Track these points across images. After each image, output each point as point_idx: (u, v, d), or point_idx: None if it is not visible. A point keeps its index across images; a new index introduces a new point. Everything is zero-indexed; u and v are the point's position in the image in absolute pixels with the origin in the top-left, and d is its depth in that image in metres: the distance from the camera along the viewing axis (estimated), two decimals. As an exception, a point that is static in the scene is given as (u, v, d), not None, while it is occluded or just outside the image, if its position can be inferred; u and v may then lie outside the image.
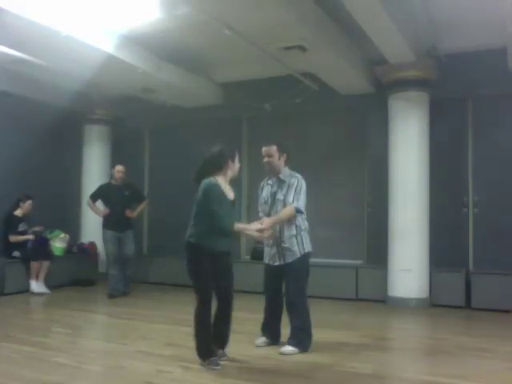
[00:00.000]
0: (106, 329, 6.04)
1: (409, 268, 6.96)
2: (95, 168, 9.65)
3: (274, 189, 4.69)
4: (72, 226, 9.24)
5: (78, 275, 8.61)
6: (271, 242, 4.64)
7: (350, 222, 8.18)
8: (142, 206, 8.01)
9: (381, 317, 6.49)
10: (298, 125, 8.57)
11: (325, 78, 7.45)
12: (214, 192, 4.08)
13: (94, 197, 7.77)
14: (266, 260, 4.77)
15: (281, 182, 4.66)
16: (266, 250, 4.78)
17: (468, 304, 6.85)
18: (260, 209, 4.83)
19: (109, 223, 7.63)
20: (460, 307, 6.84)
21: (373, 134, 7.93)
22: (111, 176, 7.92)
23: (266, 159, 4.69)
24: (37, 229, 8.03)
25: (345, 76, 7.26)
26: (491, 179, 7.23)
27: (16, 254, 7.75)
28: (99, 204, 7.87)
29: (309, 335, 4.62)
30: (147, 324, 5.82)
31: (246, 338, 4.91)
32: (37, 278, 7.71)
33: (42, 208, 8.21)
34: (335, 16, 6.02)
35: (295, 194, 4.56)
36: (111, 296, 7.45)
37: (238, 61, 7.58)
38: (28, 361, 4.29)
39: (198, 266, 4.07)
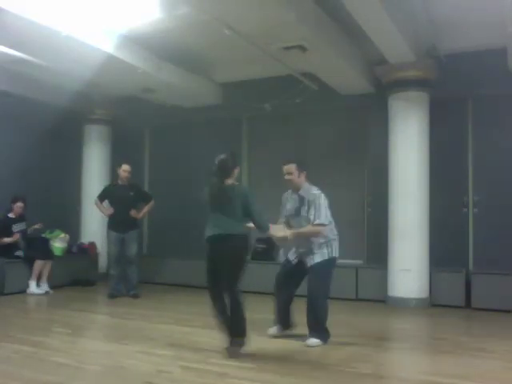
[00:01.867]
0: (106, 329, 6.04)
1: (409, 268, 6.96)
2: (95, 168, 9.66)
3: (297, 204, 4.99)
4: (72, 226, 9.24)
5: (78, 275, 8.61)
6: (299, 250, 4.95)
7: (350, 222, 8.17)
8: (149, 207, 7.83)
9: (381, 317, 6.49)
10: (298, 125, 8.57)
11: (325, 78, 7.45)
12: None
13: (101, 197, 7.73)
14: (292, 257, 5.05)
15: (301, 199, 4.95)
16: (293, 253, 5.07)
17: (468, 304, 6.85)
18: (283, 219, 5.10)
19: (112, 224, 7.59)
20: (460, 307, 6.84)
21: (373, 133, 7.93)
22: (117, 176, 7.78)
23: (286, 177, 4.98)
24: (36, 226, 8.02)
25: (345, 76, 7.26)
26: (491, 179, 7.23)
27: (19, 253, 7.76)
28: (106, 204, 7.82)
29: (327, 329, 4.89)
30: (147, 324, 5.82)
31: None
32: (38, 278, 7.72)
33: (42, 208, 8.21)
34: (335, 16, 6.02)
35: (315, 211, 4.84)
36: (111, 296, 7.44)
37: (238, 61, 7.58)
38: (28, 361, 4.28)
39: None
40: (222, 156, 4.62)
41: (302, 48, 6.09)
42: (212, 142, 9.03)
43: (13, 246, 7.76)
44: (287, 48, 6.15)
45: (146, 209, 7.83)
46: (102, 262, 9.12)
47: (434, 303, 7.01)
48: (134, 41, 6.74)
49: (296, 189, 4.99)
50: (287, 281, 5.05)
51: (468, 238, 7.35)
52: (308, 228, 4.85)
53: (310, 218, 4.83)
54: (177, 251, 9.07)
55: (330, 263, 4.92)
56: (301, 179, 4.97)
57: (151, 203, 7.83)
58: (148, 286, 8.31)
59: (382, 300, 7.16)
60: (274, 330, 5.09)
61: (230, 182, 4.53)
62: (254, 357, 4.38)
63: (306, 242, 4.88)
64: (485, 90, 7.11)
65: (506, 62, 6.66)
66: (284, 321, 5.10)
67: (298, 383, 3.82)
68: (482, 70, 6.98)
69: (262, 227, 4.58)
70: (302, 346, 4.75)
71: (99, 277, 8.81)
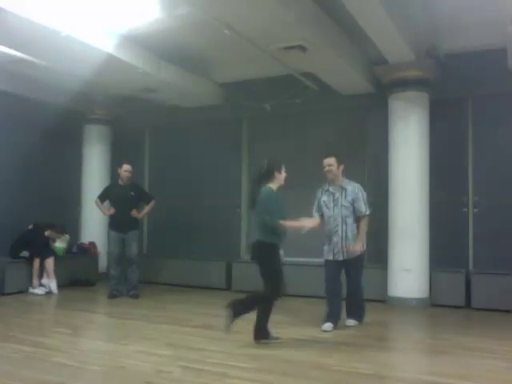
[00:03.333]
0: (105, 329, 6.04)
1: (409, 268, 6.96)
2: (95, 168, 9.66)
3: (337, 195, 5.46)
4: (72, 226, 9.24)
5: (78, 275, 8.61)
6: (335, 239, 5.38)
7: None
8: (150, 207, 7.81)
9: (381, 317, 6.49)
10: (297, 125, 8.56)
11: (325, 78, 7.45)
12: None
13: (101, 197, 7.73)
14: (330, 257, 5.46)
15: (342, 189, 5.46)
16: (328, 248, 5.47)
17: (468, 304, 6.85)
18: (317, 210, 5.56)
19: (112, 224, 7.59)
20: (460, 307, 6.84)
21: (373, 133, 7.93)
22: (118, 176, 7.75)
23: (326, 168, 5.46)
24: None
25: (345, 76, 7.25)
26: (491, 179, 7.22)
27: (24, 253, 7.77)
28: (107, 204, 7.81)
29: (364, 311, 5.66)
30: (147, 324, 5.82)
31: (246, 337, 4.92)
32: (41, 277, 7.75)
33: (43, 208, 8.21)
34: (335, 16, 6.02)
35: (364, 203, 5.44)
36: (111, 296, 7.43)
37: (238, 61, 7.58)
38: (28, 361, 4.28)
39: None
40: (265, 160, 4.88)
41: (302, 48, 6.08)
42: (212, 141, 9.04)
43: (21, 246, 7.79)
44: (287, 48, 6.15)
45: (147, 209, 7.82)
46: (102, 262, 9.13)
47: (434, 303, 7.01)
48: (133, 41, 6.74)
49: (334, 180, 5.46)
50: (336, 280, 5.46)
51: (468, 238, 7.34)
52: (363, 225, 5.43)
53: (361, 209, 5.39)
54: (177, 251, 9.07)
55: (363, 255, 5.56)
56: (339, 171, 5.48)
57: (152, 203, 7.80)
58: (148, 286, 8.31)
59: (382, 300, 7.16)
60: (329, 326, 5.33)
61: (268, 185, 4.77)
62: (254, 357, 4.39)
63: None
64: (485, 89, 7.11)
65: (506, 61, 6.65)
66: (336, 320, 5.42)
67: (298, 383, 3.82)
68: (482, 70, 6.97)
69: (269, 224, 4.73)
70: (302, 346, 4.75)
71: (99, 277, 8.82)
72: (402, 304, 6.95)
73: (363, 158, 8.08)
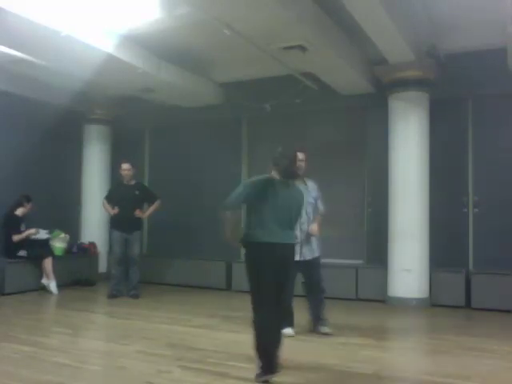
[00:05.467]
0: (105, 329, 6.04)
1: (409, 268, 6.96)
2: (95, 168, 9.66)
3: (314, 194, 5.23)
4: (72, 226, 9.24)
5: (78, 275, 8.61)
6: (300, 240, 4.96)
7: (350, 222, 8.17)
8: (154, 207, 7.76)
9: (381, 317, 6.49)
10: (297, 125, 8.56)
11: (325, 77, 7.45)
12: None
13: (108, 198, 7.73)
14: (297, 257, 4.69)
15: (305, 186, 5.12)
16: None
17: (468, 304, 6.85)
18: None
19: (115, 223, 7.58)
20: (460, 307, 6.84)
21: (373, 133, 7.93)
22: (121, 176, 7.74)
23: (302, 163, 4.99)
24: (32, 231, 7.98)
25: (345, 76, 7.26)
26: (491, 179, 7.23)
27: (22, 253, 7.76)
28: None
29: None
30: (147, 324, 5.82)
31: (246, 337, 4.91)
32: (48, 276, 7.76)
33: (42, 208, 8.22)
34: (335, 16, 6.02)
35: (322, 200, 5.29)
36: (111, 296, 7.43)
37: (238, 61, 7.58)
38: (28, 361, 4.28)
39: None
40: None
41: (302, 48, 6.08)
42: (212, 141, 9.04)
43: (18, 246, 7.77)
44: (287, 48, 6.15)
45: (151, 209, 7.79)
46: (102, 262, 9.13)
47: (434, 303, 7.01)
48: (134, 41, 6.74)
49: (301, 176, 4.90)
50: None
51: (468, 238, 7.34)
52: (319, 220, 5.20)
53: (321, 207, 5.24)
54: (177, 251, 9.07)
55: (320, 257, 5.28)
56: None
57: (157, 203, 7.77)
58: (148, 286, 8.30)
59: (381, 300, 7.16)
60: (290, 331, 5.01)
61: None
62: (251, 357, 4.38)
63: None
64: (485, 89, 7.11)
65: (506, 61, 6.65)
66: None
67: (298, 383, 3.82)
68: (482, 69, 6.98)
69: None
70: (302, 346, 4.75)
71: (99, 277, 8.82)
72: (402, 304, 6.96)
73: (363, 158, 8.09)
